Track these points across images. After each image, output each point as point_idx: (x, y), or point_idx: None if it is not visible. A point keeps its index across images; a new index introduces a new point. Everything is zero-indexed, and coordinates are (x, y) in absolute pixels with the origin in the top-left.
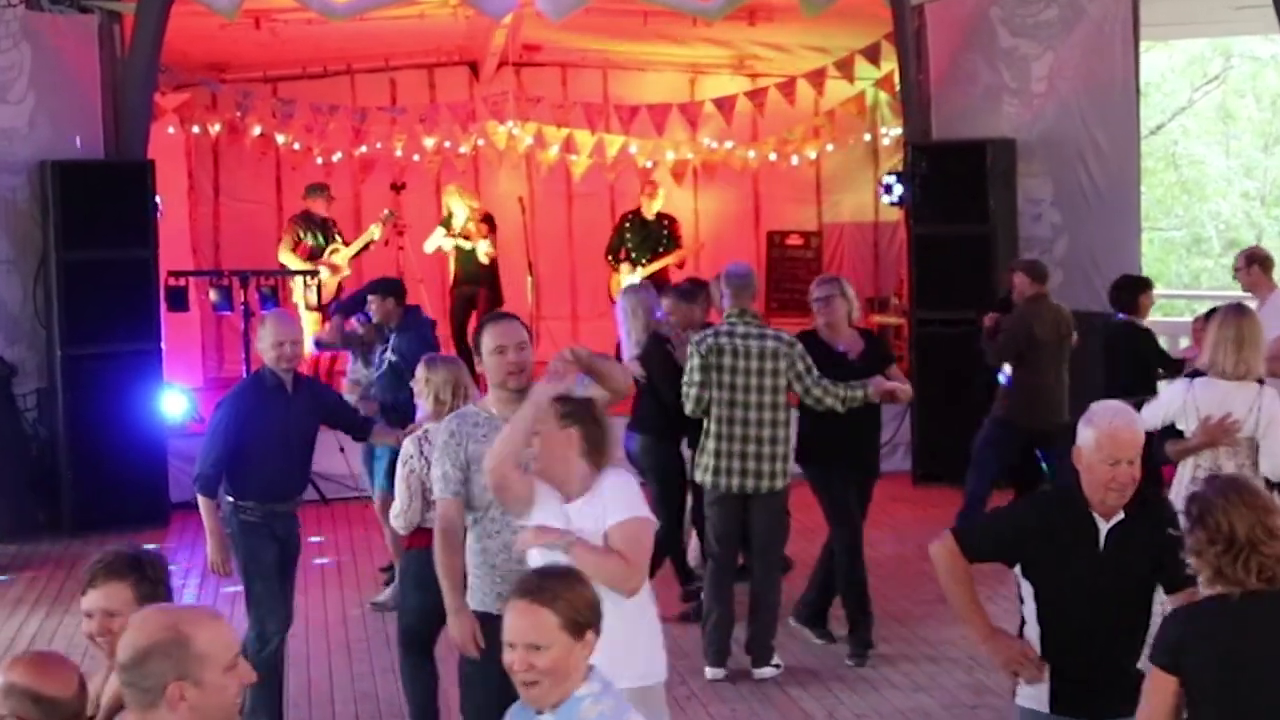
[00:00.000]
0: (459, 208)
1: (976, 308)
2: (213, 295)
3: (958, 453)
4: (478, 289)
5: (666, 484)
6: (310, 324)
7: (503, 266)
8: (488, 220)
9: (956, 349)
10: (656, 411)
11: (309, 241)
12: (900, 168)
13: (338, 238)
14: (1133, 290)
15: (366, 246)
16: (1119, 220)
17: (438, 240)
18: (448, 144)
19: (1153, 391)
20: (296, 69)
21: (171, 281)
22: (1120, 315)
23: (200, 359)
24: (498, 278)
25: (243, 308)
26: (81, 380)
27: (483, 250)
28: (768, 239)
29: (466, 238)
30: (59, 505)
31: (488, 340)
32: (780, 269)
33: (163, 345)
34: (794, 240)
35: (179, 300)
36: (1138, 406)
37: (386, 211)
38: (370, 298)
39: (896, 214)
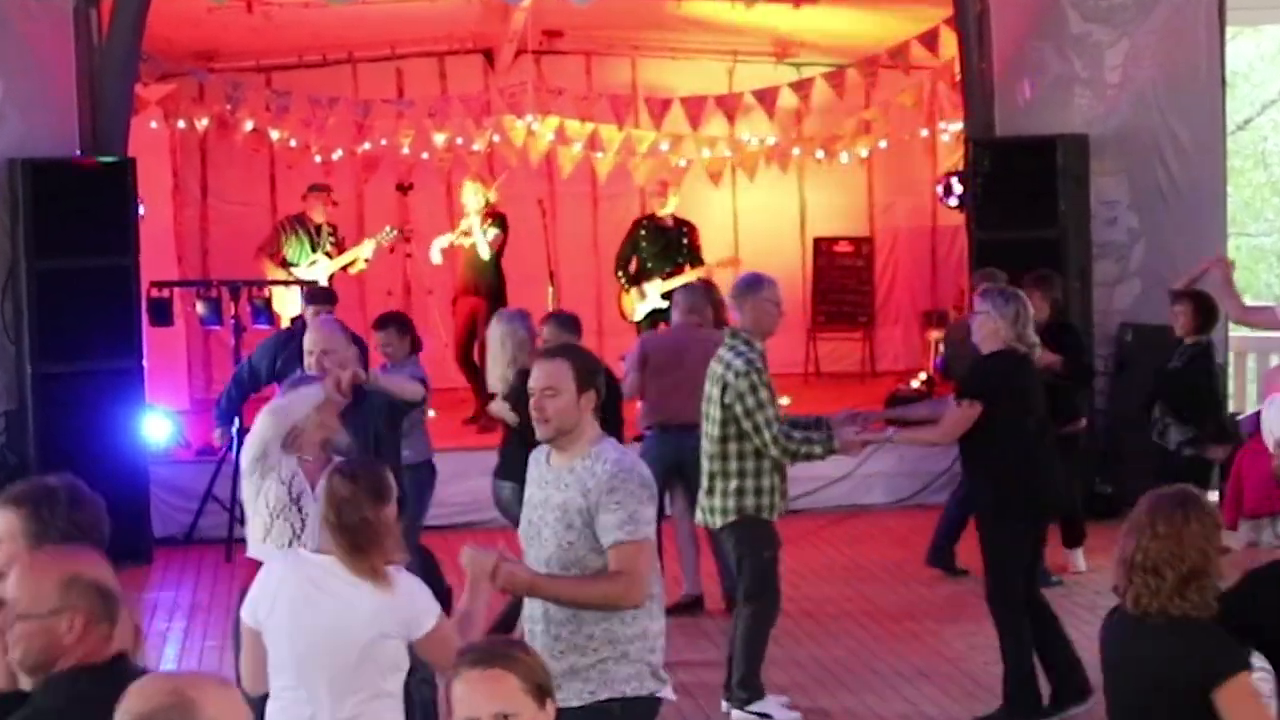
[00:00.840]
0: (471, 199)
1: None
2: (199, 308)
3: None
4: (477, 299)
5: None
6: None
7: (521, 276)
8: (496, 217)
9: None
10: (526, 457)
11: (287, 250)
12: (961, 166)
13: (329, 247)
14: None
15: (348, 266)
16: (1202, 224)
17: (441, 244)
18: (460, 140)
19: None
20: (293, 57)
21: (154, 292)
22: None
23: (186, 378)
24: (503, 288)
25: (233, 322)
26: (54, 401)
27: (482, 243)
28: (814, 246)
29: (467, 235)
30: None
31: None
32: (828, 279)
33: (144, 363)
34: (843, 247)
35: (162, 313)
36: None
37: (388, 229)
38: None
39: (957, 218)
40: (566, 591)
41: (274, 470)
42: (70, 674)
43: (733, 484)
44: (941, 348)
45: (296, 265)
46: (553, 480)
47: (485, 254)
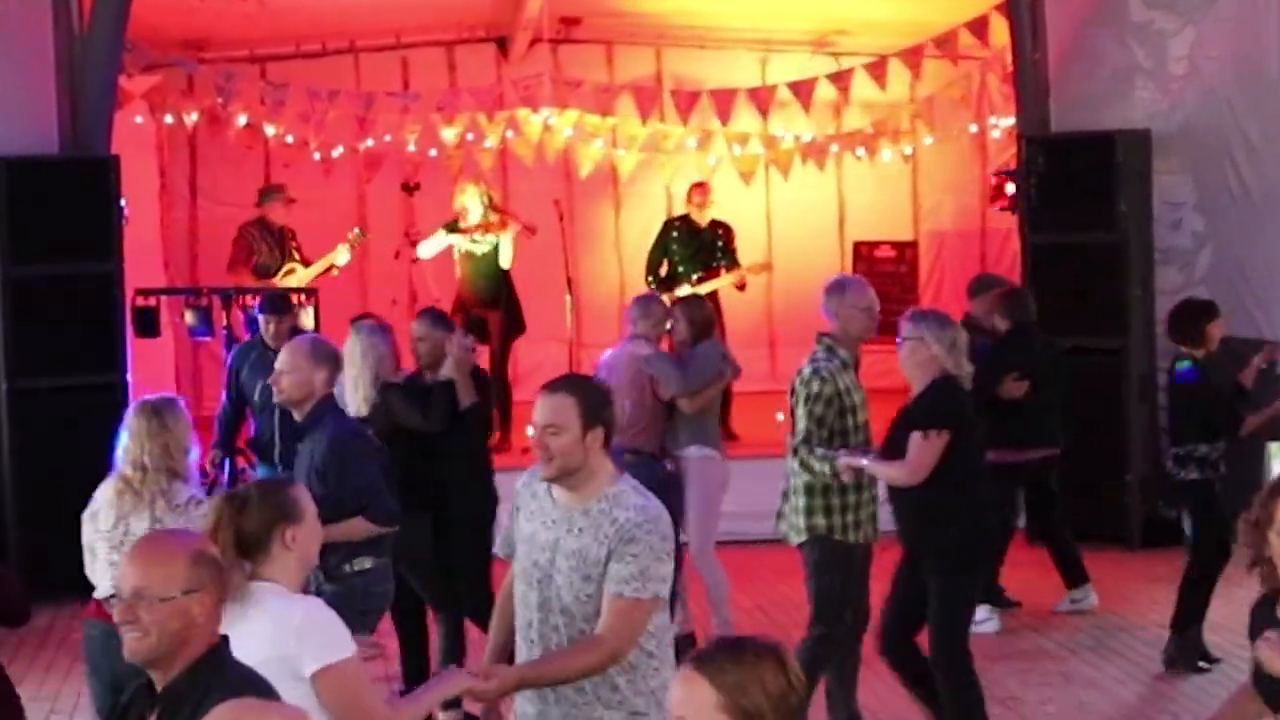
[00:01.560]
0: (474, 202)
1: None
2: (189, 317)
3: (1104, 507)
4: (489, 312)
5: (417, 568)
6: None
7: (537, 283)
8: (504, 218)
9: (1087, 382)
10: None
11: (260, 256)
12: (1012, 165)
13: (295, 254)
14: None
15: (328, 270)
16: (1273, 229)
17: (439, 241)
18: (470, 137)
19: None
20: (290, 47)
21: (139, 301)
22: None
23: (174, 394)
24: (515, 297)
25: (225, 333)
26: (32, 418)
27: (507, 251)
28: (854, 250)
29: (486, 230)
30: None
31: None
32: None
33: (129, 377)
34: (885, 252)
35: (148, 323)
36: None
37: (356, 231)
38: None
39: (1008, 220)
40: (551, 674)
41: None
42: (211, 655)
43: (802, 500)
44: None
45: (271, 275)
46: (562, 520)
47: (508, 262)
